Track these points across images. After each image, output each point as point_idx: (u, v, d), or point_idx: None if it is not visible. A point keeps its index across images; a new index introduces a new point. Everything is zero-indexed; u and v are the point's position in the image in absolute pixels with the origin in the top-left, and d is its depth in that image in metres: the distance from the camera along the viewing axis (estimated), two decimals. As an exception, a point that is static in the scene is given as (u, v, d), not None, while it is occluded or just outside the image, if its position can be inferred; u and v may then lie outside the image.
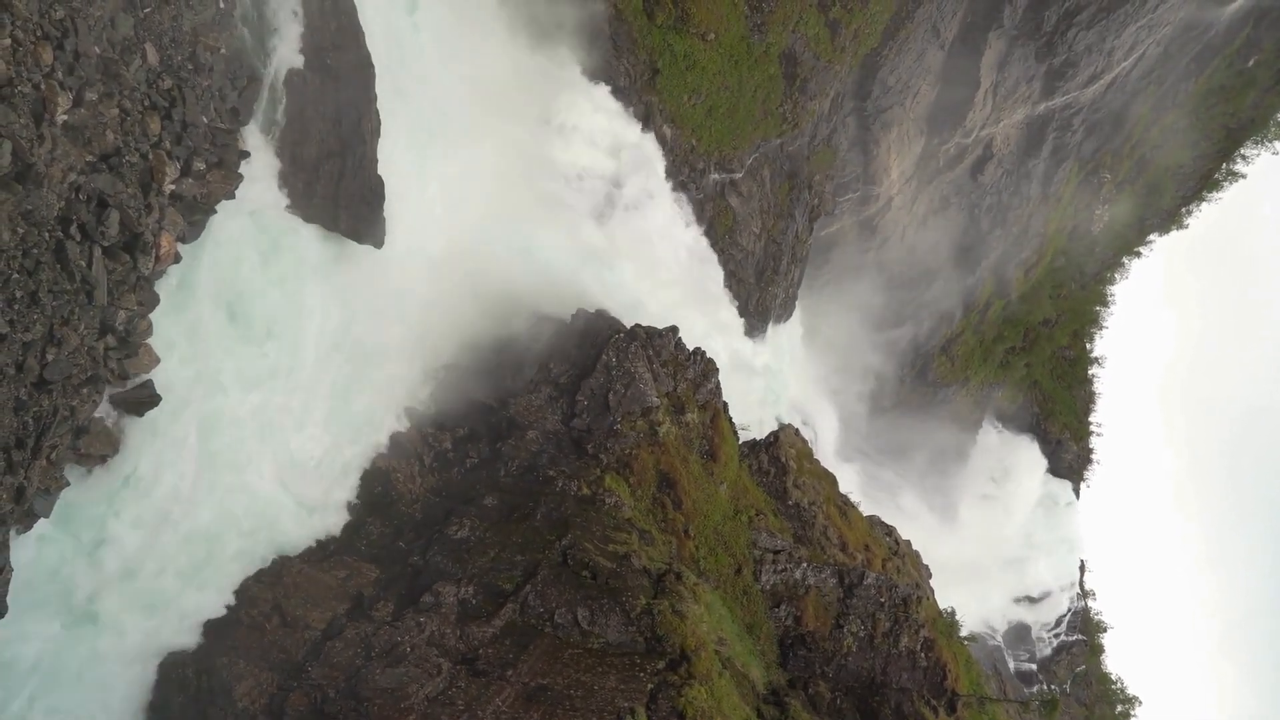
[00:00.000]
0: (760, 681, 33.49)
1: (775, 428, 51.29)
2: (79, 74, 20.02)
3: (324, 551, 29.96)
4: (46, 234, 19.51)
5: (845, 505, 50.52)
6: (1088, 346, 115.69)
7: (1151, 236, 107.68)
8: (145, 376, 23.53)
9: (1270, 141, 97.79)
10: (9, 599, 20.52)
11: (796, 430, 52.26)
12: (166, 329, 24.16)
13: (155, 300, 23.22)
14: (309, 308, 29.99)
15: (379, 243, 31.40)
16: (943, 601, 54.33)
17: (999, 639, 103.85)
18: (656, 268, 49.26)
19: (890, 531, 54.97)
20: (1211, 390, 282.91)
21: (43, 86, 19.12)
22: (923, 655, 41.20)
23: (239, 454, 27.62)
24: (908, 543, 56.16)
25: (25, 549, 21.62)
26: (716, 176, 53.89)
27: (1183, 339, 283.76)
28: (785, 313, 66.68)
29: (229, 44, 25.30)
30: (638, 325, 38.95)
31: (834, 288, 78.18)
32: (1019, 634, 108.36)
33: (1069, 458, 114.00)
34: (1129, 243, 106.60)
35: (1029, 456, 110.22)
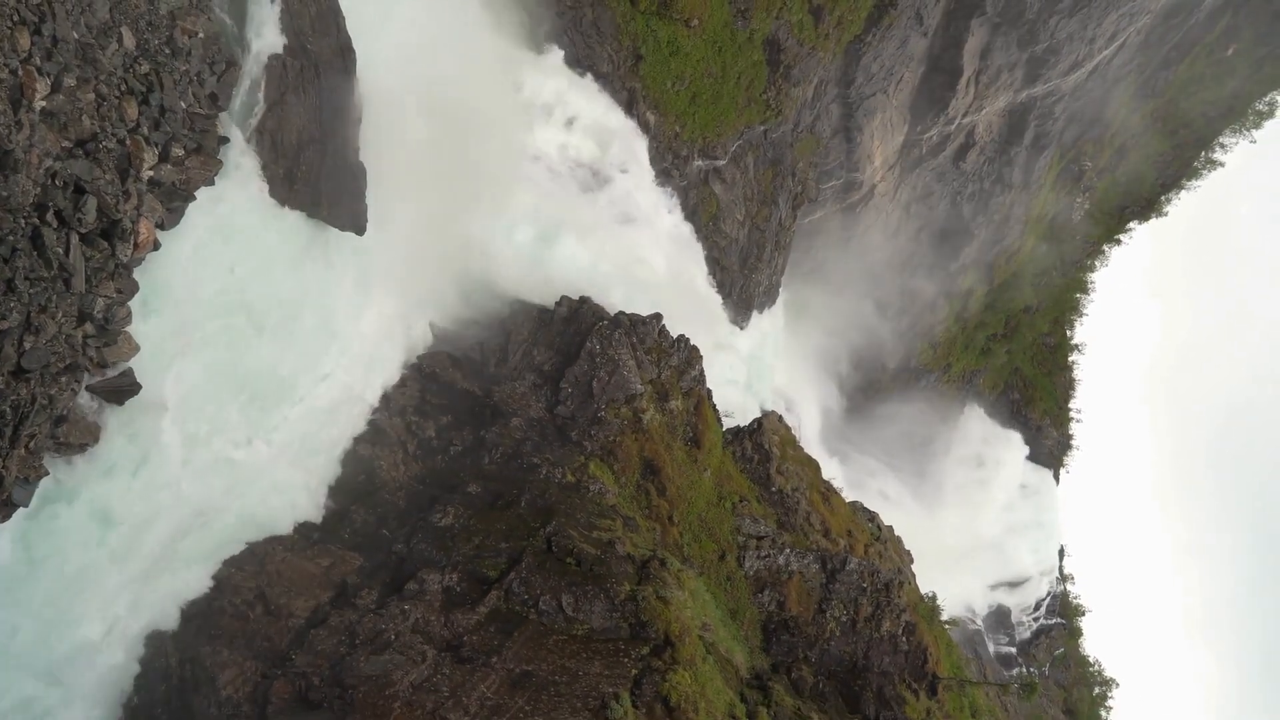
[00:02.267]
0: (744, 666, 33.75)
1: (759, 414, 51.51)
2: (57, 59, 19.76)
3: (307, 539, 29.88)
4: (23, 221, 19.27)
5: (828, 491, 50.84)
6: (1068, 333, 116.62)
7: (1132, 224, 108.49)
8: (125, 364, 23.33)
9: (1248, 130, 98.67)
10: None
11: (780, 417, 52.50)
12: (146, 316, 23.95)
13: (134, 287, 22.99)
14: (289, 294, 29.78)
15: (360, 229, 31.20)
16: (924, 586, 54.87)
17: (979, 623, 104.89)
18: (639, 254, 49.19)
19: (873, 517, 55.38)
20: (1194, 379, 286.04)
21: (21, 72, 18.86)
22: (904, 639, 41.63)
23: (219, 438, 27.47)
24: (890, 528, 56.61)
25: (3, 538, 21.48)
26: (700, 163, 53.81)
27: (1168, 330, 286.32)
28: (769, 300, 66.81)
29: (207, 28, 25.00)
30: (621, 313, 38.95)
31: (818, 275, 78.34)
32: (999, 618, 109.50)
33: (1049, 443, 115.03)
34: (1109, 230, 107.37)
35: (1010, 442, 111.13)
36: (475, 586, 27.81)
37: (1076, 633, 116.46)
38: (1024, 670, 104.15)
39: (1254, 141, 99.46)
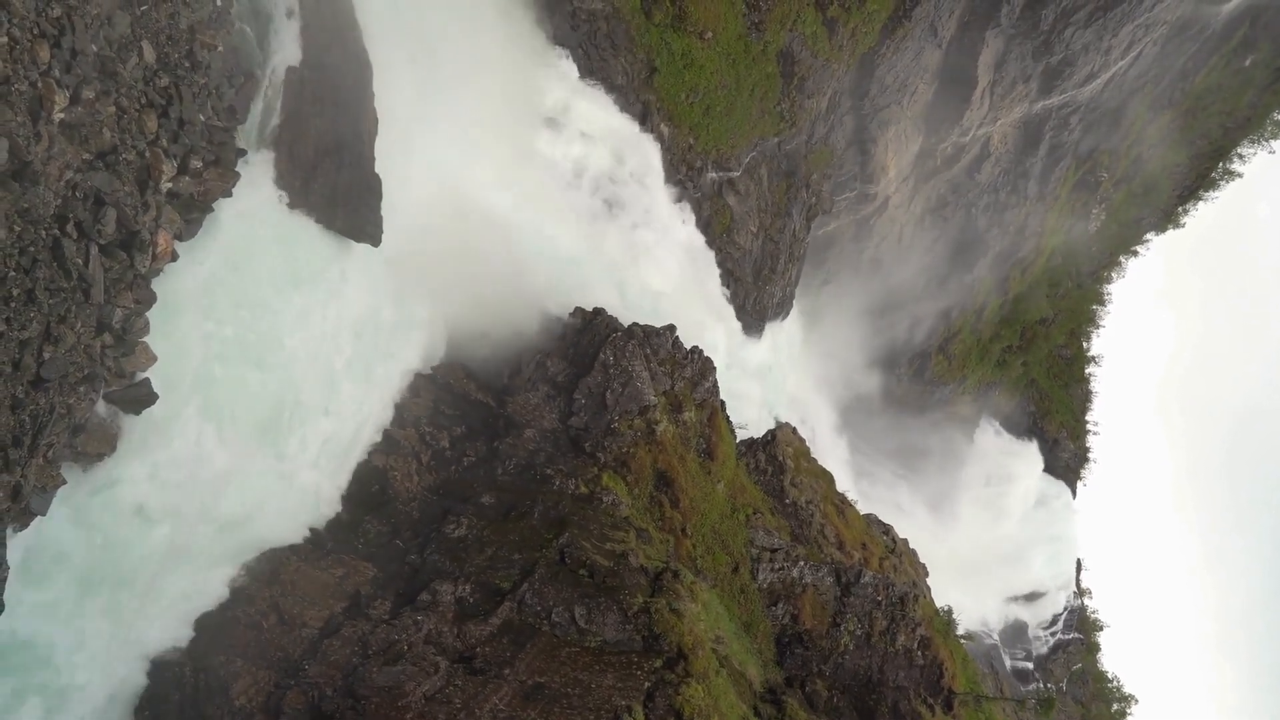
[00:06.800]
0: (757, 680, 33.53)
1: (773, 426, 51.35)
2: (76, 72, 19.96)
3: (321, 549, 29.94)
4: (43, 232, 19.45)
5: (842, 503, 50.61)
6: (1084, 345, 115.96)
7: (1148, 235, 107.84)
8: (142, 374, 23.48)
9: (1266, 140, 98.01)
10: (5, 596, 20.47)
11: (794, 429, 52.34)
12: (163, 326, 24.11)
13: (152, 298, 23.15)
14: (305, 306, 29.94)
15: (376, 240, 31.36)
16: (940, 600, 54.47)
17: (996, 637, 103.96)
18: (653, 265, 49.24)
19: (887, 530, 55.08)
20: (1210, 390, 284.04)
21: (40, 84, 19.06)
22: (920, 653, 41.29)
23: (234, 448, 27.57)
24: (905, 541, 56.29)
25: (18, 547, 21.59)
26: (714, 175, 53.87)
27: (1182, 339, 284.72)
28: (783, 311, 66.73)
29: (226, 41, 25.24)
30: (635, 324, 38.96)
31: (832, 286, 78.23)
32: (1016, 632, 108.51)
33: (1066, 456, 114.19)
34: (1125, 242, 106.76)
35: (1026, 455, 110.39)
36: (488, 598, 27.78)
37: (1094, 648, 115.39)
38: (1041, 686, 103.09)
39: (1272, 152, 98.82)
